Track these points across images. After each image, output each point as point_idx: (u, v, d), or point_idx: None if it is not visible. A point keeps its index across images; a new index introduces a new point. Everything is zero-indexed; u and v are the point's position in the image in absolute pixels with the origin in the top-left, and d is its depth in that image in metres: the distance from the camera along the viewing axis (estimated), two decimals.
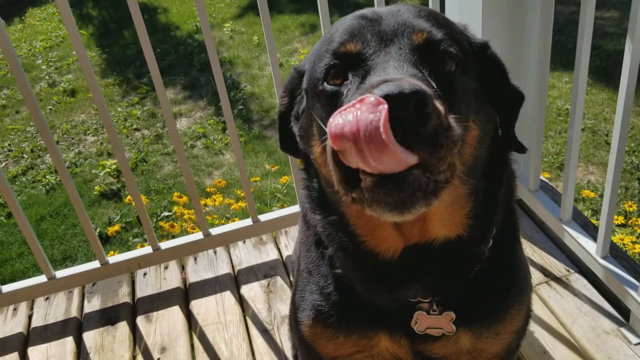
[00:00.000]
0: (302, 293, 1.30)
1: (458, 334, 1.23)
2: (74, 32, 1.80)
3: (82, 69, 1.92)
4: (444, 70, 0.96)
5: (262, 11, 1.96)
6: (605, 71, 5.04)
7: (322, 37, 1.13)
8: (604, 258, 1.92)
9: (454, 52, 0.97)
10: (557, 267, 2.14)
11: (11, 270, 3.88)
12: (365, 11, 1.06)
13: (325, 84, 0.99)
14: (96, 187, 4.68)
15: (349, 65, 0.98)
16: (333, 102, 0.97)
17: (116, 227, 3.93)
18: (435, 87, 0.90)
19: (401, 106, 0.76)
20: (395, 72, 0.89)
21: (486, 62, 1.10)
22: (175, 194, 4.03)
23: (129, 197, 4.19)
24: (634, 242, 2.97)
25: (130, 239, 3.82)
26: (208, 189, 4.24)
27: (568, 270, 2.12)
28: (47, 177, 4.85)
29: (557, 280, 2.09)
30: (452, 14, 2.19)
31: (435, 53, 0.96)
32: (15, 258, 4.03)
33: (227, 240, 2.37)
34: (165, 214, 4.10)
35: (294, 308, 1.35)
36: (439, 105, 0.81)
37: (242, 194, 3.99)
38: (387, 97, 0.76)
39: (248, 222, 2.36)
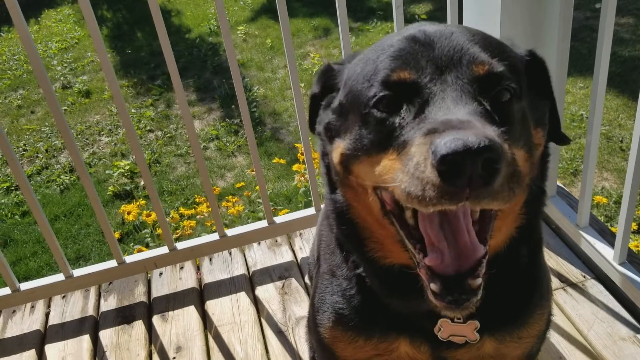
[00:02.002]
0: (323, 295, 1.30)
1: (482, 339, 1.23)
2: (96, 33, 1.82)
3: (102, 68, 1.94)
4: (502, 102, 0.94)
5: (281, 14, 1.97)
6: (620, 77, 5.02)
7: (366, 55, 1.08)
8: (621, 264, 1.91)
9: (514, 86, 0.96)
10: (573, 272, 2.14)
11: (25, 268, 3.92)
12: (414, 32, 1.01)
13: (374, 110, 0.96)
14: (110, 188, 4.72)
15: (402, 95, 0.94)
16: (383, 130, 0.94)
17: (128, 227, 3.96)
18: (497, 120, 0.90)
19: (471, 164, 0.77)
20: (455, 105, 0.88)
21: (535, 71, 1.10)
22: (197, 197, 4.07)
23: (140, 200, 4.23)
24: None
25: (132, 244, 3.84)
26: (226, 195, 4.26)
27: (584, 276, 2.11)
28: (62, 177, 4.90)
29: (573, 286, 2.09)
30: (471, 14, 2.19)
31: (495, 87, 0.94)
32: (30, 257, 4.07)
33: (243, 241, 2.39)
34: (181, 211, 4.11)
35: (314, 310, 1.35)
36: (507, 152, 0.81)
37: (248, 194, 4.01)
38: (456, 154, 0.76)
39: (263, 224, 2.37)
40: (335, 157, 1.06)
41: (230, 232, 2.34)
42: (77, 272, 2.24)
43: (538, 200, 1.13)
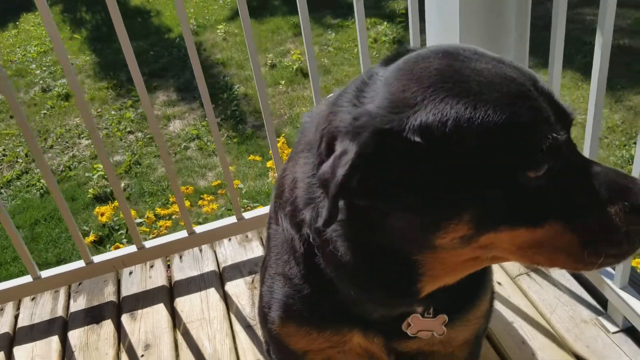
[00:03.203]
0: (275, 293, 1.28)
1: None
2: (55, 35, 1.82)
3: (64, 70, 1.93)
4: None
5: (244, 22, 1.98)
6: None
7: (452, 101, 0.89)
8: None
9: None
10: None
11: (6, 273, 3.91)
12: (506, 80, 0.91)
13: (523, 178, 0.88)
14: (90, 190, 4.71)
15: (550, 158, 0.89)
16: (536, 195, 0.89)
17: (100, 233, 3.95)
18: None
19: None
20: (581, 157, 0.96)
21: None
22: (170, 196, 4.07)
23: (114, 202, 4.23)
24: None
25: (108, 246, 3.83)
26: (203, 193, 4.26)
27: None
28: (42, 181, 4.88)
29: (537, 271, 2.10)
30: (432, 21, 2.20)
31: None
32: (10, 262, 4.06)
33: (212, 238, 2.39)
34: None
35: (265, 307, 1.33)
36: None
37: (222, 192, 4.01)
38: None
39: (232, 219, 2.37)
40: (451, 230, 0.92)
41: (198, 229, 2.34)
42: (45, 273, 2.24)
43: None
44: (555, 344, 1.86)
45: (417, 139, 0.88)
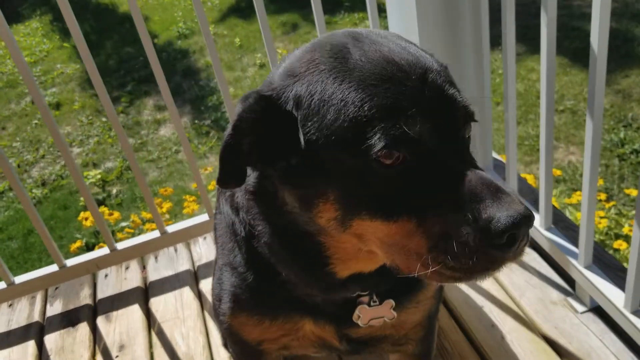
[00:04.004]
0: (224, 286, 1.30)
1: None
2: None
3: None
4: (468, 137, 0.99)
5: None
6: (583, 52, 5.01)
7: (325, 75, 0.91)
8: (547, 229, 1.92)
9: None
10: None
11: None
12: (386, 64, 0.90)
13: (375, 164, 0.87)
14: (82, 198, 4.72)
15: (407, 148, 0.87)
16: (388, 185, 0.89)
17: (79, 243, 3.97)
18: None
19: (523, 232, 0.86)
20: (459, 160, 0.90)
21: None
22: (161, 189, 4.08)
23: (101, 208, 4.23)
24: (602, 217, 2.96)
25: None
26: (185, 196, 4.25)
27: None
28: (34, 191, 4.91)
29: None
30: (393, 13, 2.20)
31: (469, 125, 0.97)
32: None
33: (186, 236, 2.39)
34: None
35: (217, 300, 1.35)
36: None
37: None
38: (517, 227, 0.84)
39: (204, 217, 2.37)
40: (324, 219, 0.96)
41: (171, 228, 2.35)
42: (19, 279, 2.25)
43: None
44: (524, 327, 1.85)
45: (289, 108, 0.93)
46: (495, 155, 2.36)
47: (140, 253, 2.37)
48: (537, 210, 1.98)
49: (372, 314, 1.21)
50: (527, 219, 0.84)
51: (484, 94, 2.07)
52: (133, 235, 3.54)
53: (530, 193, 2.17)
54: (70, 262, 2.28)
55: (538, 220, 1.94)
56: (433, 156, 0.89)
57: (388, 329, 1.32)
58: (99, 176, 4.98)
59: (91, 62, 1.95)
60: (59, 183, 5.04)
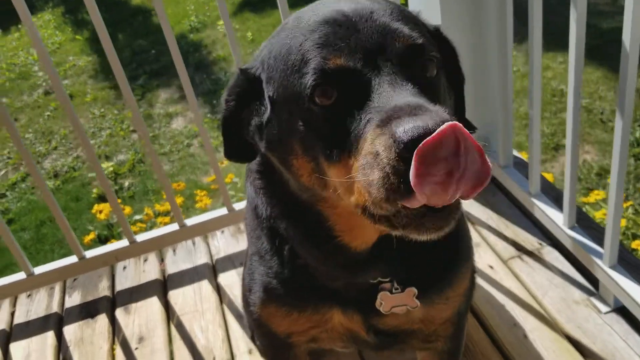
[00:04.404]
0: (254, 276, 1.31)
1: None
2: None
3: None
4: (429, 76, 0.95)
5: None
6: (599, 49, 4.98)
7: (282, 41, 0.99)
8: (571, 228, 1.90)
9: (438, 56, 0.96)
10: (530, 240, 2.13)
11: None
12: (331, 13, 0.95)
13: (312, 105, 0.91)
14: (94, 190, 4.74)
15: (339, 85, 0.90)
16: (329, 124, 0.91)
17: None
18: (429, 95, 0.89)
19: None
20: (393, 89, 0.87)
21: (442, 46, 1.07)
22: (174, 184, 4.08)
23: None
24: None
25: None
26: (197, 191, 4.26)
27: (540, 244, 2.11)
28: (46, 182, 4.92)
29: (529, 253, 2.08)
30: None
31: (421, 59, 0.94)
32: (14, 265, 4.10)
33: (204, 230, 2.39)
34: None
35: (246, 291, 1.37)
36: None
37: (215, 187, 4.00)
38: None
39: (223, 211, 2.37)
40: (298, 168, 0.99)
41: (190, 221, 2.35)
42: (38, 270, 2.26)
43: None
44: (546, 326, 1.84)
45: (258, 73, 1.01)
46: (515, 152, 2.34)
47: (159, 246, 2.37)
48: (560, 208, 1.97)
49: (394, 301, 1.21)
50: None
51: (506, 90, 2.05)
52: (146, 228, 3.55)
53: (551, 191, 2.16)
54: (89, 253, 2.29)
55: (561, 219, 1.93)
56: (365, 90, 0.88)
57: (417, 323, 1.32)
58: (111, 168, 4.99)
59: (112, 50, 1.95)
60: (71, 175, 5.05)
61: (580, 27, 1.59)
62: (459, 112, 1.16)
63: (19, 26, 7.70)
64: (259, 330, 1.43)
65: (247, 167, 1.27)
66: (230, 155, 1.13)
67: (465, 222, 1.36)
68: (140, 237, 2.32)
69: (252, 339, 1.69)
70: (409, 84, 0.88)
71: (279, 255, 1.22)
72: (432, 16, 2.01)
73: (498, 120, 2.10)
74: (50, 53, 6.98)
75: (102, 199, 4.69)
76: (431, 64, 0.95)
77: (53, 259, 4.19)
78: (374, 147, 0.82)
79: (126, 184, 4.92)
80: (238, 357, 1.97)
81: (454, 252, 1.27)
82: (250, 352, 1.98)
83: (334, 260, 1.14)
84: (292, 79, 0.93)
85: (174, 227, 2.34)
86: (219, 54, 6.57)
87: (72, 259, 2.28)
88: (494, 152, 2.23)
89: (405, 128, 0.77)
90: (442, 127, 0.74)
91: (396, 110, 0.82)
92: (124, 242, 2.32)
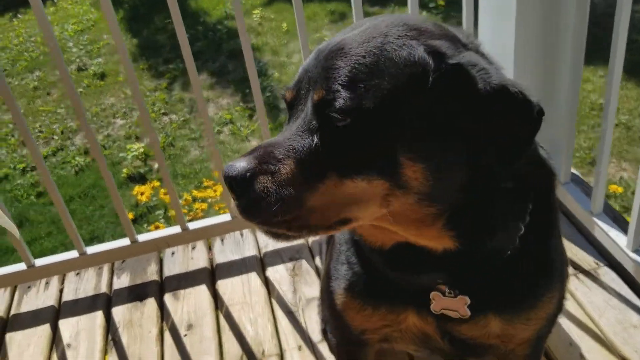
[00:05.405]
0: (336, 264, 1.35)
1: (487, 317, 1.23)
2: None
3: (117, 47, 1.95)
4: (336, 126, 0.96)
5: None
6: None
7: None
8: (634, 252, 1.89)
9: (344, 109, 0.94)
10: (587, 260, 2.12)
11: (40, 248, 3.97)
12: (323, 43, 1.07)
13: None
14: (124, 170, 4.76)
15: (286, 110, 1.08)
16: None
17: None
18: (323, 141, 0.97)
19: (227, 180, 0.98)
20: (290, 129, 1.01)
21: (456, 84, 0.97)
22: (205, 180, 4.09)
23: (153, 182, 4.26)
24: None
25: (145, 225, 3.87)
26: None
27: (597, 264, 2.10)
28: (77, 158, 4.94)
29: (586, 273, 2.07)
30: (485, 13, 2.17)
31: (325, 112, 0.97)
32: (45, 237, 4.13)
33: None
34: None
35: (327, 277, 1.39)
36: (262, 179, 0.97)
37: None
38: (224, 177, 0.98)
39: None
40: None
41: None
42: (91, 250, 2.27)
43: (543, 185, 1.15)
44: (603, 347, 1.83)
45: None
46: (572, 169, 2.33)
47: (210, 235, 2.38)
48: (621, 229, 1.96)
49: (445, 304, 1.22)
50: (229, 169, 0.97)
51: (573, 108, 2.03)
52: (185, 214, 3.57)
53: (610, 211, 2.14)
54: (141, 237, 2.30)
55: (624, 241, 1.92)
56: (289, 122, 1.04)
57: (493, 338, 1.31)
58: (141, 149, 5.00)
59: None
60: (102, 153, 5.07)
61: (621, 38, 1.58)
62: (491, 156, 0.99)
63: (55, 1, 7.73)
64: (334, 323, 1.45)
65: None
66: None
67: (561, 250, 1.33)
68: (192, 225, 2.33)
69: (324, 332, 1.68)
70: (302, 129, 0.99)
71: (357, 254, 1.27)
72: (505, 39, 2.01)
73: (561, 137, 2.10)
74: (85, 30, 7.00)
75: (131, 179, 4.71)
76: (338, 117, 0.95)
77: (81, 235, 4.23)
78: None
79: (155, 166, 4.94)
80: (288, 352, 1.98)
81: (541, 275, 1.26)
82: (299, 348, 1.98)
83: (379, 255, 1.18)
84: None
85: (226, 217, 2.34)
86: (252, 42, 6.56)
87: (125, 242, 2.29)
88: None
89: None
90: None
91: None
92: (175, 229, 2.33)
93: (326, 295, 1.40)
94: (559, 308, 1.36)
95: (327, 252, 1.47)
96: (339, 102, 0.94)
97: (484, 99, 0.93)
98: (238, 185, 0.96)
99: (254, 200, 0.95)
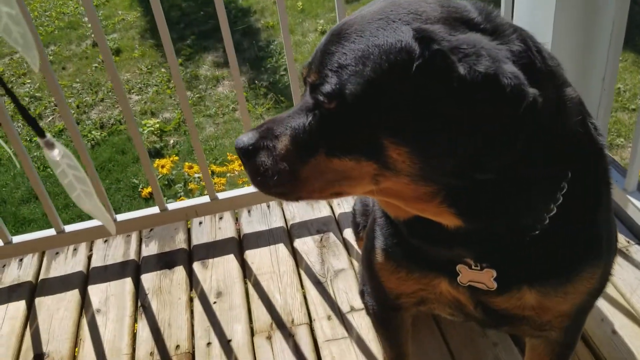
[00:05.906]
0: (374, 225, 1.37)
1: (521, 291, 1.22)
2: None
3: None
4: (324, 109, 1.00)
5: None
6: None
7: None
8: None
9: (330, 94, 0.97)
10: (619, 238, 2.11)
11: (66, 217, 3.99)
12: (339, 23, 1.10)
13: None
14: None
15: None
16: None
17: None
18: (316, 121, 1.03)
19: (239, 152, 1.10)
20: (294, 107, 1.08)
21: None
22: (229, 154, 4.09)
23: (173, 157, 4.25)
24: None
25: (165, 198, 3.88)
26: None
27: (628, 242, 2.10)
28: (93, 132, 4.94)
29: (618, 251, 2.06)
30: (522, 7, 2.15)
31: (316, 95, 1.01)
32: (62, 209, 4.14)
33: None
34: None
35: (366, 237, 1.43)
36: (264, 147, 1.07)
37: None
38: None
39: None
40: None
41: None
42: (120, 217, 2.28)
43: (585, 163, 1.12)
44: (635, 324, 1.83)
45: None
46: None
47: (238, 205, 2.38)
48: None
49: (471, 277, 1.22)
50: (237, 142, 1.08)
51: (608, 103, 2.02)
52: (199, 188, 3.57)
53: None
54: (171, 206, 2.30)
55: None
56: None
57: (528, 310, 1.30)
58: (157, 125, 5.00)
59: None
60: (117, 128, 5.07)
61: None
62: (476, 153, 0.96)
63: None
64: (371, 283, 1.46)
65: None
66: None
67: (610, 222, 1.29)
68: (221, 195, 2.33)
69: (361, 293, 1.68)
70: (302, 110, 1.05)
71: (388, 221, 1.30)
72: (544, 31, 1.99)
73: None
74: (100, 6, 6.96)
75: (149, 153, 4.71)
76: (325, 101, 0.99)
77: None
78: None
79: (171, 141, 4.94)
80: (317, 321, 1.99)
81: (581, 249, 1.23)
82: (329, 318, 1.99)
83: (409, 231, 1.21)
84: None
85: (254, 188, 2.34)
86: (267, 21, 6.53)
87: (154, 210, 2.29)
88: None
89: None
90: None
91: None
92: (205, 199, 2.33)
93: (364, 254, 1.44)
94: (602, 284, 1.31)
95: (370, 214, 1.49)
96: (326, 87, 0.98)
97: (467, 85, 0.89)
98: (244, 156, 1.08)
99: (255, 171, 1.07)
